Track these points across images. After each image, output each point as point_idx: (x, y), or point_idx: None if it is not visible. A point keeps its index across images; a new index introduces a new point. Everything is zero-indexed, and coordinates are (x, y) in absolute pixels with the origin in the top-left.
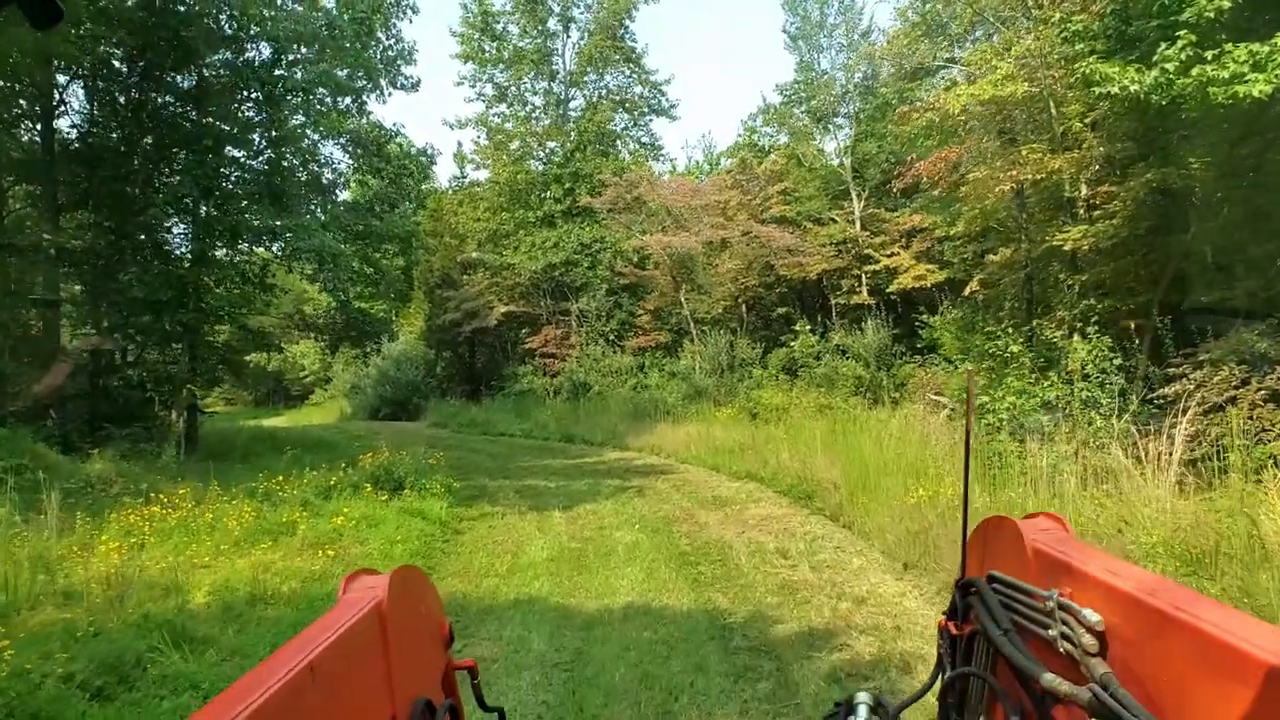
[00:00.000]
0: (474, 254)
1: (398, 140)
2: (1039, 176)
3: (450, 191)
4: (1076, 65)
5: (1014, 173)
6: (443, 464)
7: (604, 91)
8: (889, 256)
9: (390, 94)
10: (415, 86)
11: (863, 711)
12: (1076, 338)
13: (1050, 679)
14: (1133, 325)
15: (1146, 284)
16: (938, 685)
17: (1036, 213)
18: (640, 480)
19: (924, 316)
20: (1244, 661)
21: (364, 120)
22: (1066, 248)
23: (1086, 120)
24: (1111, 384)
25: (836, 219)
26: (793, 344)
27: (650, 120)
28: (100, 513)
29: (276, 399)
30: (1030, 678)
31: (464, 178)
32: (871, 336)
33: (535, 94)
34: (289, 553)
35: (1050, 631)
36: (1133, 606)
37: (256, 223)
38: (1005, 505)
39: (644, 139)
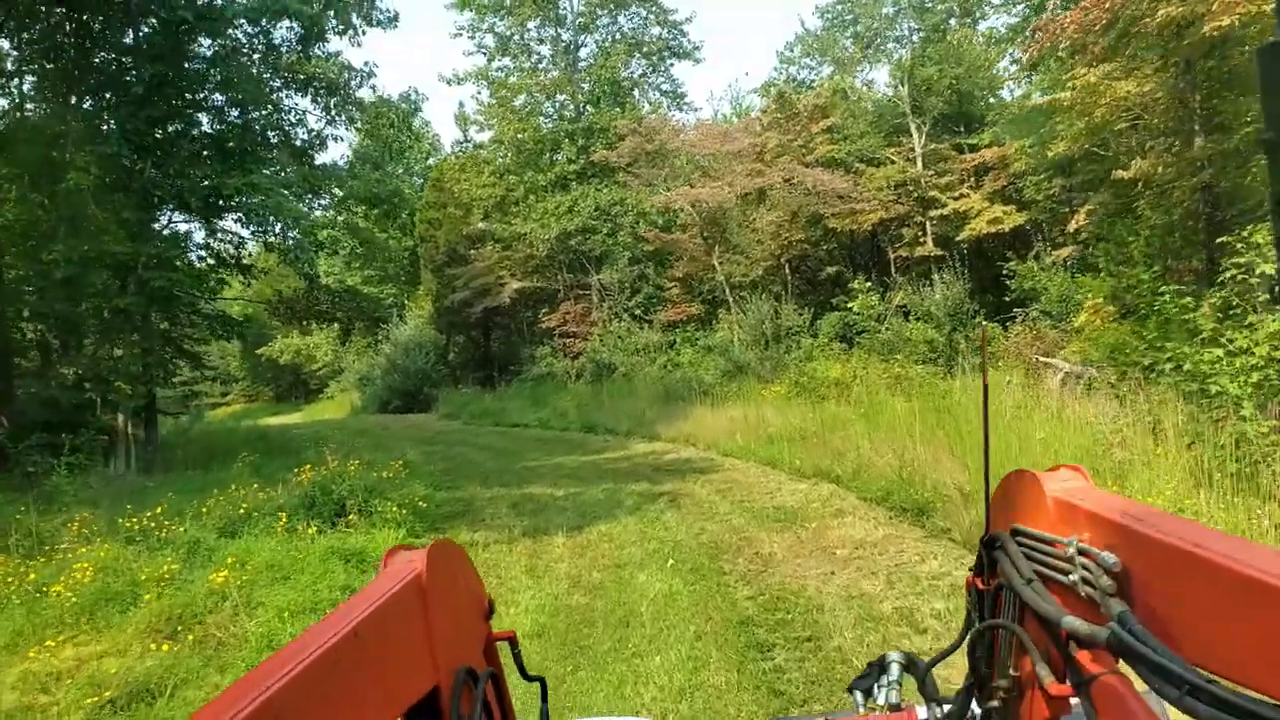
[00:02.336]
0: (480, 224)
1: (371, 84)
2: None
3: (452, 156)
4: None
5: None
6: (426, 467)
7: (618, 35)
8: (956, 199)
9: (364, 32)
10: (392, 21)
11: (895, 670)
12: None
13: (1070, 621)
14: None
15: None
16: (967, 640)
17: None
18: (674, 483)
19: (1011, 264)
20: (1260, 589)
21: (326, 59)
22: None
23: None
24: None
25: (893, 159)
26: (849, 306)
27: (671, 65)
28: None
29: (297, 394)
30: (1053, 623)
31: (467, 141)
32: (943, 292)
33: (541, 43)
34: (121, 640)
35: (1071, 577)
36: (1150, 546)
37: (206, 184)
38: None
39: (664, 86)
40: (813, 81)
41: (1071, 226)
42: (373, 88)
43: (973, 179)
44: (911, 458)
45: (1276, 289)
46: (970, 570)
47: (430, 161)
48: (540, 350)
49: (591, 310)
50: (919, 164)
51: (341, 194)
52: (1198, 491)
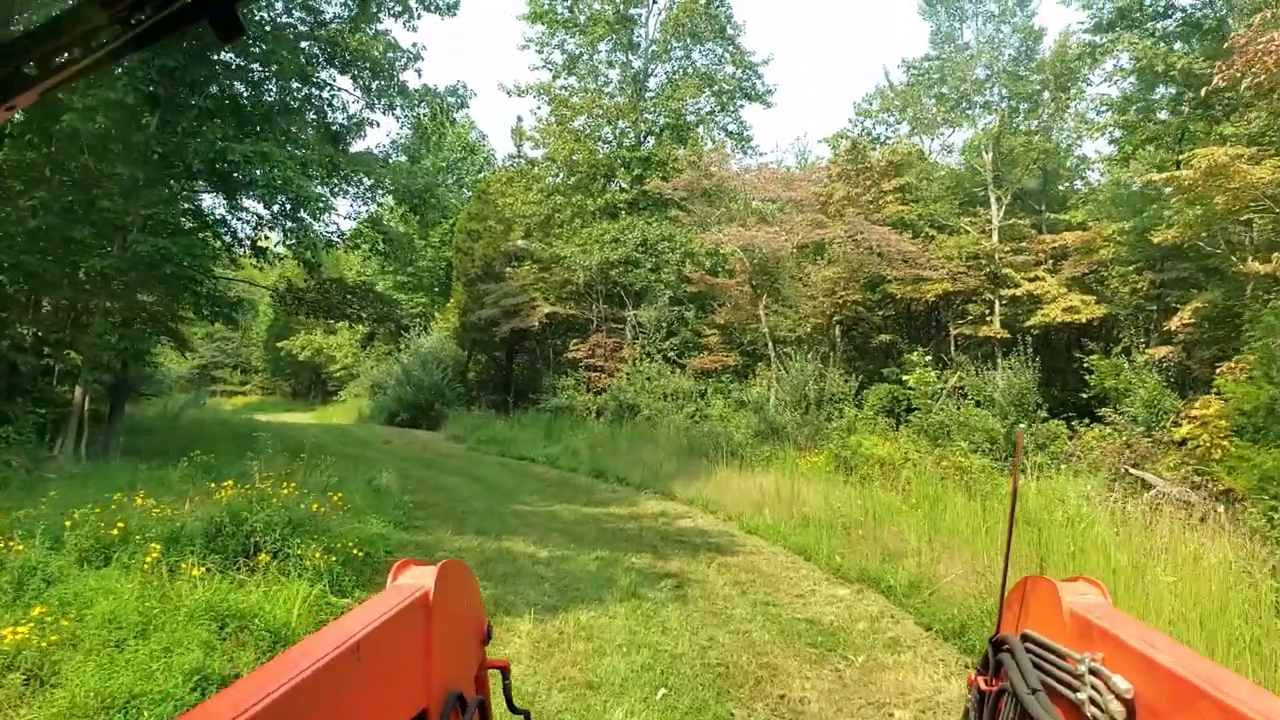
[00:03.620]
0: (520, 241)
1: (418, 67)
2: None
3: (502, 169)
4: None
5: None
6: (401, 496)
7: (690, 69)
8: (1031, 281)
9: (419, 15)
10: (452, 9)
11: None
12: None
13: None
14: None
15: None
16: None
17: None
18: (683, 560)
19: (1093, 358)
20: None
21: (374, 36)
22: None
23: None
24: None
25: (968, 229)
26: (904, 379)
27: (741, 106)
28: None
29: (315, 393)
30: None
31: (520, 157)
32: (1009, 379)
33: (611, 66)
34: None
35: (1079, 695)
36: (1165, 678)
37: (220, 145)
38: None
39: (731, 126)
40: (888, 139)
41: (1174, 324)
42: (418, 71)
43: (1050, 262)
44: (994, 579)
45: None
46: (974, 669)
47: (481, 175)
48: (563, 381)
49: (623, 346)
50: (994, 237)
51: (370, 182)
52: None
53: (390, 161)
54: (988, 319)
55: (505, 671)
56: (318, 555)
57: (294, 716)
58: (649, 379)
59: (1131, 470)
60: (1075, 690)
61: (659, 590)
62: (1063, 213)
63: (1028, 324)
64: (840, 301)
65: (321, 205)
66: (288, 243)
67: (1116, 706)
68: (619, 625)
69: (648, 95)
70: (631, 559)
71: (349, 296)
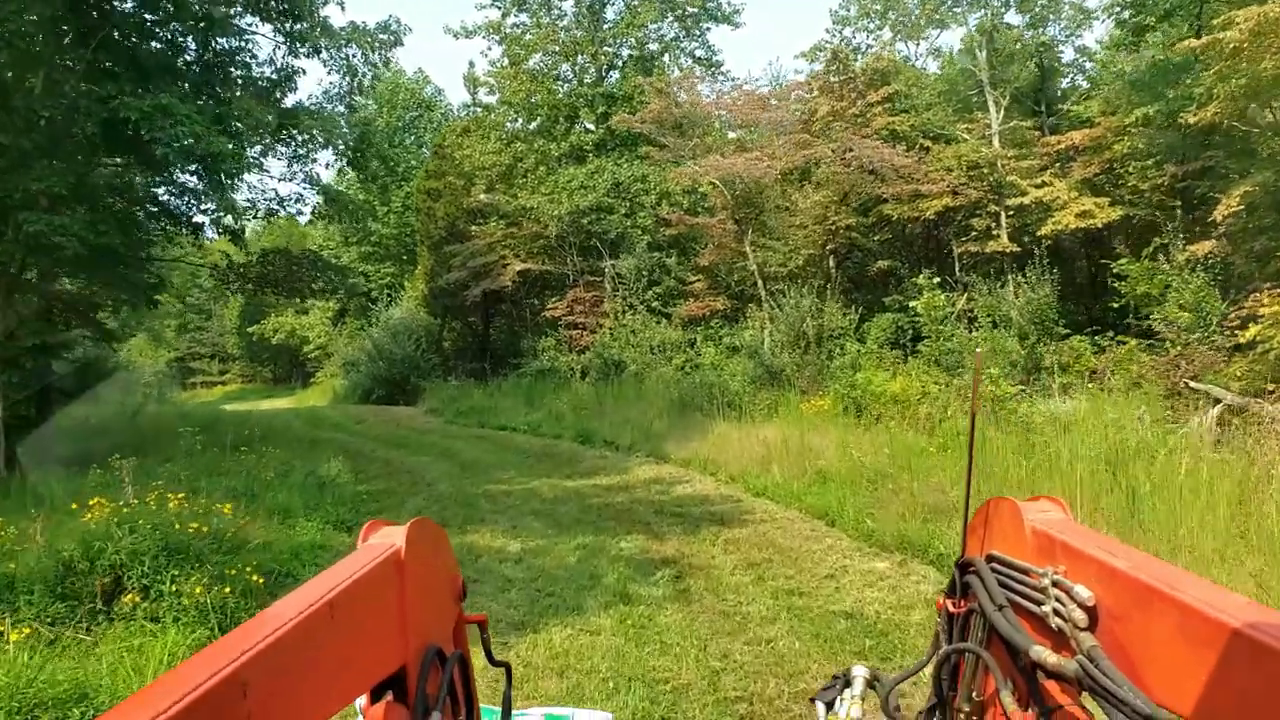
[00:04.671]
0: (482, 196)
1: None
2: None
3: (456, 120)
4: None
5: None
6: (355, 486)
7: None
8: (1039, 187)
9: None
10: None
11: (859, 684)
12: None
13: (1038, 651)
14: None
15: None
16: (934, 661)
17: None
18: (682, 542)
19: (1122, 262)
20: (1230, 635)
21: None
22: None
23: None
24: None
25: (965, 136)
26: (912, 305)
27: (708, 30)
28: None
29: (296, 377)
30: (1020, 651)
31: (476, 106)
32: (1026, 295)
33: None
34: None
35: (1044, 607)
36: (1124, 583)
37: (113, 102)
38: None
39: (699, 52)
40: (870, 48)
41: (1218, 214)
42: (341, 5)
43: (1056, 165)
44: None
45: None
46: (942, 592)
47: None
48: (543, 342)
49: (603, 300)
50: (995, 143)
51: (303, 137)
52: None
53: (322, 113)
54: (994, 233)
55: (483, 626)
56: (199, 589)
57: (271, 673)
58: (633, 332)
59: (1192, 384)
60: (1040, 604)
61: (654, 585)
62: (1067, 111)
63: (1039, 233)
64: (833, 228)
65: (237, 162)
66: (203, 208)
67: (1079, 615)
68: (604, 646)
69: (605, 25)
70: (620, 544)
71: (296, 268)
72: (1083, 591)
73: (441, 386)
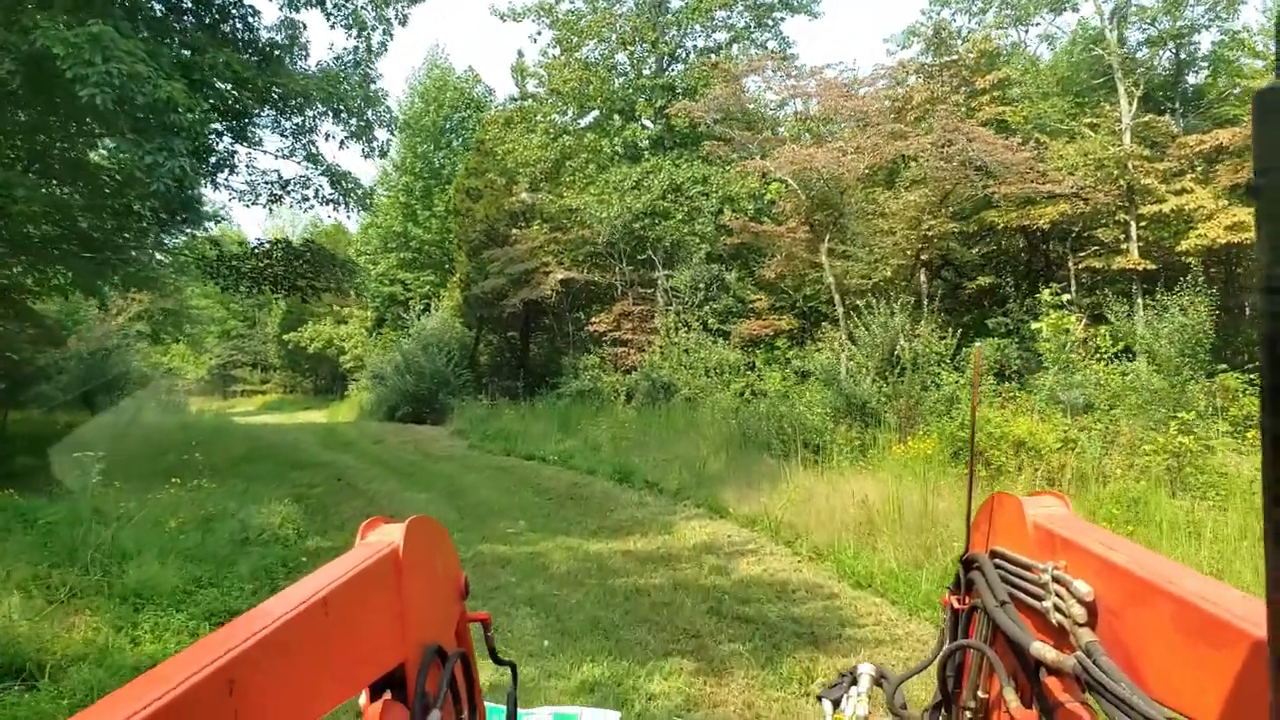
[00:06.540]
0: (524, 195)
1: None
2: None
3: (499, 111)
4: None
5: None
6: (305, 541)
7: None
8: (1178, 194)
9: None
10: None
11: (865, 682)
12: None
13: (1038, 647)
14: None
15: None
16: (938, 660)
17: None
18: (754, 680)
19: None
20: (1228, 631)
21: None
22: None
23: None
24: None
25: (1090, 131)
26: (1036, 326)
27: (782, 20)
28: None
29: (337, 389)
30: (1022, 647)
31: (525, 99)
32: (1175, 321)
33: None
34: None
35: (1045, 603)
36: (1123, 578)
37: (35, 31)
38: None
39: (771, 44)
40: (972, 32)
41: None
42: None
43: (1202, 166)
44: None
45: None
46: (947, 588)
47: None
48: (585, 359)
49: (654, 315)
50: (1127, 138)
51: (295, 101)
52: None
53: (327, 74)
54: (1122, 246)
55: (487, 624)
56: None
57: (264, 669)
58: (686, 352)
59: None
60: (1040, 599)
61: None
62: (1209, 108)
63: (1179, 248)
64: (927, 235)
65: (184, 115)
66: (134, 155)
67: (1078, 610)
68: None
69: (668, 12)
70: (652, 684)
71: (296, 262)
72: (1082, 587)
73: (471, 405)
